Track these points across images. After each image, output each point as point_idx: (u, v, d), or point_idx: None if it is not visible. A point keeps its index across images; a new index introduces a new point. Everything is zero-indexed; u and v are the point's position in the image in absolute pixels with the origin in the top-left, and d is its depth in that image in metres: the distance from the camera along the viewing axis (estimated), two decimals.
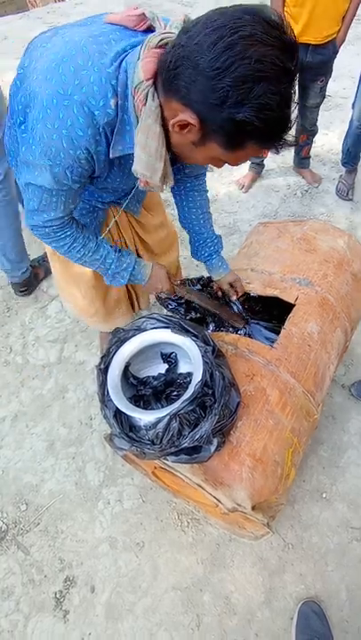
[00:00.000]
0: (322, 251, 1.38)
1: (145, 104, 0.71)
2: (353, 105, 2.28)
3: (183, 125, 0.70)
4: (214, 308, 1.31)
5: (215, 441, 0.94)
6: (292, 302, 1.25)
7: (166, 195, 2.55)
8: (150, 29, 0.76)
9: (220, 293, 1.38)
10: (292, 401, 1.11)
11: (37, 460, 1.64)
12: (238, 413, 1.01)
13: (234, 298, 1.33)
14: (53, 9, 5.08)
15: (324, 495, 1.51)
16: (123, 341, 1.03)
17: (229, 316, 1.33)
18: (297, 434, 1.11)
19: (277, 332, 1.24)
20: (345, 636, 1.27)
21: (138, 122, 0.74)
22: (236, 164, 0.80)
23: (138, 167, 0.78)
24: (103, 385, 0.97)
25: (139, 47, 0.72)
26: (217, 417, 0.90)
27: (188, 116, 0.67)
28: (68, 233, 0.97)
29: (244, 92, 0.60)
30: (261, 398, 1.08)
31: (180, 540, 1.43)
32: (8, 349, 1.97)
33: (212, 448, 0.94)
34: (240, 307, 1.35)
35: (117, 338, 1.04)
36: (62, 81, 0.71)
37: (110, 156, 0.80)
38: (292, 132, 0.71)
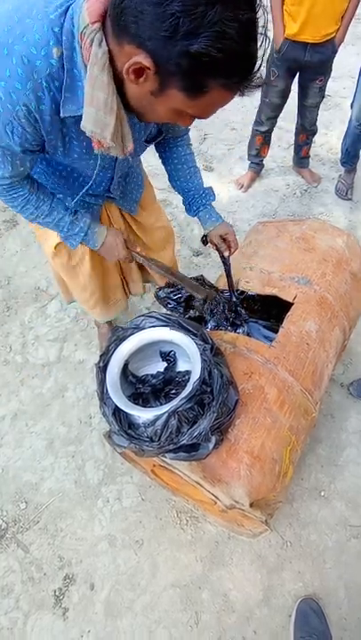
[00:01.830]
0: (321, 250, 1.38)
1: (91, 51, 0.64)
2: (352, 105, 2.28)
3: (137, 71, 0.62)
4: (176, 277, 1.24)
5: (213, 438, 0.95)
6: (291, 301, 1.26)
7: (166, 194, 2.56)
8: None
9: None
10: (290, 399, 1.12)
11: (37, 458, 1.64)
12: (236, 411, 1.02)
13: (226, 254, 1.28)
14: None
15: (322, 493, 1.51)
16: (122, 340, 1.03)
17: (192, 286, 1.24)
18: (295, 432, 1.12)
19: (276, 331, 1.24)
20: (343, 634, 1.27)
21: None
22: (204, 116, 0.72)
23: (86, 124, 0.71)
24: (102, 383, 0.97)
25: None
26: (215, 414, 0.90)
27: (141, 58, 0.60)
28: (21, 193, 0.93)
29: (197, 18, 0.54)
30: (260, 396, 1.08)
31: (179, 537, 1.44)
32: (8, 348, 1.97)
33: (211, 446, 0.95)
34: (236, 297, 1.32)
35: (116, 336, 1.04)
36: (4, 31, 0.66)
37: (62, 114, 0.73)
38: (262, 72, 0.64)
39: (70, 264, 1.31)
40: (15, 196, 0.93)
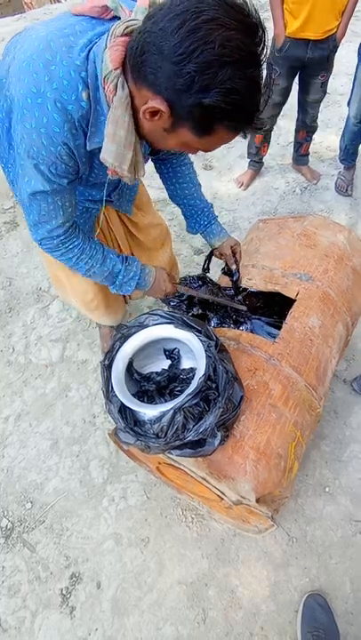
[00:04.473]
0: (322, 246, 1.39)
1: (115, 94, 0.71)
2: (349, 102, 2.29)
3: (153, 112, 0.69)
4: (216, 297, 1.32)
5: (219, 435, 0.95)
6: (294, 297, 1.26)
7: (166, 193, 2.56)
8: (117, 17, 0.76)
9: (222, 282, 1.39)
10: (294, 395, 1.12)
11: (41, 458, 1.64)
12: (241, 407, 1.02)
13: (234, 267, 1.32)
14: (50, 10, 5.09)
15: (327, 489, 1.52)
16: (126, 337, 1.04)
17: (231, 302, 1.33)
18: (300, 427, 1.12)
19: (279, 328, 1.25)
20: (350, 628, 1.27)
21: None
22: (210, 150, 0.80)
23: (106, 156, 0.77)
24: (108, 381, 0.98)
25: (105, 36, 0.72)
26: (221, 410, 0.90)
27: (157, 103, 0.67)
28: (76, 243, 0.97)
29: (210, 77, 0.60)
30: (264, 392, 1.09)
31: (185, 535, 1.44)
32: (10, 349, 1.98)
33: (216, 442, 0.95)
34: (240, 299, 1.36)
35: (121, 334, 1.05)
36: (34, 79, 0.71)
37: (88, 148, 0.80)
38: (265, 113, 0.71)
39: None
40: (71, 247, 0.97)
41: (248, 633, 1.28)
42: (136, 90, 0.71)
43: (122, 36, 0.70)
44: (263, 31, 0.63)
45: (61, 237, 0.94)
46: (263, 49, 0.63)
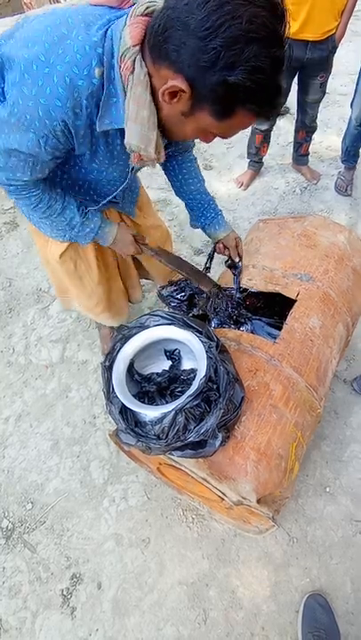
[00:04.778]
0: (322, 246, 1.39)
1: (132, 72, 0.69)
2: (352, 104, 2.28)
3: (173, 93, 0.68)
4: (184, 270, 1.29)
5: (220, 435, 0.95)
6: (294, 298, 1.26)
7: (166, 194, 2.56)
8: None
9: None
10: (295, 395, 1.12)
11: (42, 459, 1.65)
12: (242, 408, 1.02)
13: (237, 259, 1.34)
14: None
15: (327, 489, 1.52)
16: (127, 338, 1.04)
17: (199, 278, 1.32)
18: (300, 428, 1.12)
19: (279, 328, 1.25)
20: (350, 628, 1.28)
21: (125, 92, 0.72)
22: (227, 136, 0.77)
23: (131, 140, 0.75)
24: (109, 382, 0.97)
25: (124, 16, 0.71)
26: (222, 411, 0.90)
27: (178, 82, 0.65)
28: (34, 192, 0.93)
29: (236, 54, 0.59)
30: (265, 393, 1.09)
31: (186, 535, 1.44)
32: (11, 350, 1.98)
33: (217, 443, 0.95)
34: (240, 295, 1.35)
35: (122, 335, 1.05)
36: (45, 48, 0.68)
37: (98, 129, 0.77)
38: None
39: (77, 273, 1.31)
40: (28, 195, 0.94)
41: (249, 633, 1.28)
42: (155, 70, 0.69)
43: (142, 15, 0.69)
44: (286, 11, 0.62)
45: (18, 186, 0.90)
46: (286, 29, 0.62)
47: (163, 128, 0.79)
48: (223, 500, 1.07)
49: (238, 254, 1.34)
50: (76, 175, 0.98)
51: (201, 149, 2.93)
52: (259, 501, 1.01)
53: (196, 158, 1.26)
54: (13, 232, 2.50)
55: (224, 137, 0.78)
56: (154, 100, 0.72)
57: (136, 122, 0.73)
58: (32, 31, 0.71)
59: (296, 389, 1.13)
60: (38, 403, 1.80)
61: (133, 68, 0.69)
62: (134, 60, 0.68)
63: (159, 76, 0.69)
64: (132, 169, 0.99)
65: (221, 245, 1.35)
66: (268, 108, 0.69)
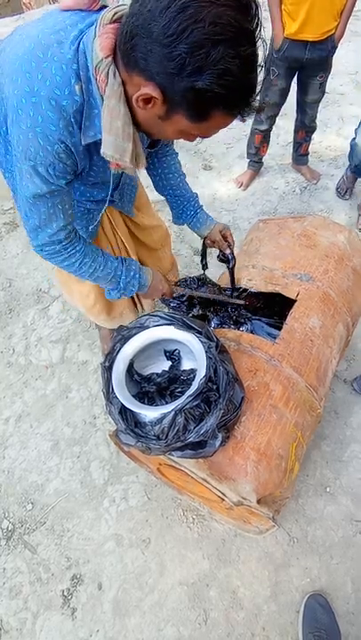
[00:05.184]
0: (322, 246, 1.39)
1: (107, 83, 0.68)
2: (356, 131, 2.24)
3: (146, 100, 0.67)
4: (214, 294, 1.33)
5: (220, 436, 0.95)
6: (294, 298, 1.26)
7: None
8: (106, 6, 0.73)
9: (219, 284, 1.39)
10: (295, 395, 1.12)
11: (42, 459, 1.64)
12: (242, 408, 1.02)
13: (228, 251, 1.31)
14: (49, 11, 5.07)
15: (327, 489, 1.52)
16: (127, 339, 1.04)
17: (229, 298, 1.34)
18: (301, 428, 1.12)
19: (279, 328, 1.24)
20: (351, 629, 1.27)
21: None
22: (208, 136, 0.77)
23: (107, 150, 0.75)
24: (108, 382, 0.97)
25: (94, 26, 0.70)
26: (222, 412, 0.90)
27: (150, 90, 0.64)
28: (78, 248, 0.96)
29: (202, 58, 0.57)
30: (265, 393, 1.09)
31: (186, 536, 1.44)
32: (11, 350, 1.98)
33: (217, 443, 0.95)
34: (235, 288, 1.36)
35: (121, 335, 1.05)
36: (27, 79, 0.69)
37: (83, 142, 0.78)
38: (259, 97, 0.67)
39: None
40: (73, 251, 0.95)
41: (250, 633, 1.28)
42: (128, 77, 0.68)
43: (111, 23, 0.68)
44: (257, 7, 0.59)
45: (63, 242, 0.93)
46: (257, 26, 0.60)
47: (145, 131, 0.79)
48: (223, 500, 1.07)
49: (228, 246, 1.31)
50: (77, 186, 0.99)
51: (201, 149, 2.93)
52: (259, 502, 1.01)
53: (177, 153, 1.24)
54: (13, 232, 2.50)
55: (204, 137, 0.77)
56: (130, 106, 0.72)
57: (110, 133, 0.73)
58: (11, 63, 0.72)
59: (296, 389, 1.13)
60: (38, 403, 1.80)
61: (107, 80, 0.68)
62: (107, 72, 0.68)
63: (132, 84, 0.68)
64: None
65: (209, 241, 1.33)
66: (244, 108, 0.67)
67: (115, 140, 0.73)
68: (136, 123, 0.76)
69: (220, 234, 1.31)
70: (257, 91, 0.66)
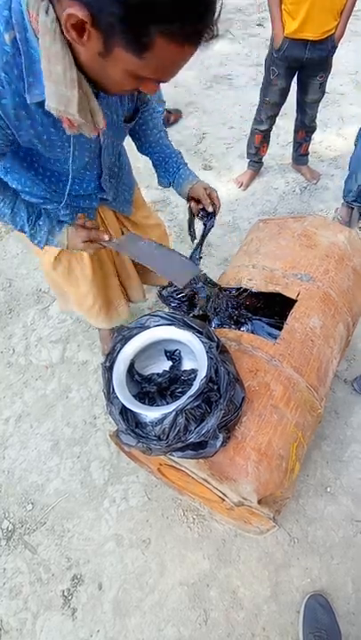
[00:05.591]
0: (323, 246, 1.38)
1: (39, 21, 0.60)
2: (350, 164, 2.18)
3: (77, 27, 0.57)
4: (156, 264, 1.13)
5: (221, 436, 0.95)
6: (294, 298, 1.26)
7: (166, 193, 2.55)
8: None
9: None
10: (295, 396, 1.12)
11: (42, 459, 1.64)
12: (243, 408, 1.02)
13: (211, 208, 1.18)
14: None
15: (328, 489, 1.52)
16: (127, 339, 1.03)
17: (176, 271, 1.14)
18: (301, 428, 1.12)
19: (280, 328, 1.24)
20: (351, 629, 1.27)
21: None
22: (163, 78, 0.66)
23: (49, 102, 0.65)
24: (109, 382, 0.97)
25: None
26: (222, 412, 0.90)
27: (75, 10, 0.54)
28: None
29: None
30: (265, 393, 1.08)
31: (186, 536, 1.44)
32: (11, 351, 1.97)
33: (218, 443, 0.95)
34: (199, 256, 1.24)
35: (122, 336, 1.04)
36: None
37: (29, 101, 0.68)
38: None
39: (73, 273, 1.30)
40: None
41: (250, 634, 1.28)
42: (59, 6, 0.58)
43: None
44: None
45: None
46: None
47: (94, 81, 0.70)
48: (224, 500, 1.07)
49: (213, 203, 1.18)
50: (52, 168, 0.93)
51: (201, 149, 2.93)
52: (260, 502, 1.01)
53: (160, 111, 1.17)
54: (13, 233, 2.50)
55: (161, 79, 0.66)
56: (72, 50, 0.63)
57: (50, 79, 0.63)
58: None
59: (297, 390, 1.13)
60: (38, 403, 1.80)
61: (39, 17, 0.60)
62: (38, 9, 0.59)
63: (62, 10, 0.58)
64: (101, 149, 0.93)
65: (193, 202, 1.20)
66: (194, 27, 0.55)
67: (56, 88, 0.64)
68: (82, 70, 0.66)
69: (206, 192, 1.18)
70: (209, 8, 0.54)
